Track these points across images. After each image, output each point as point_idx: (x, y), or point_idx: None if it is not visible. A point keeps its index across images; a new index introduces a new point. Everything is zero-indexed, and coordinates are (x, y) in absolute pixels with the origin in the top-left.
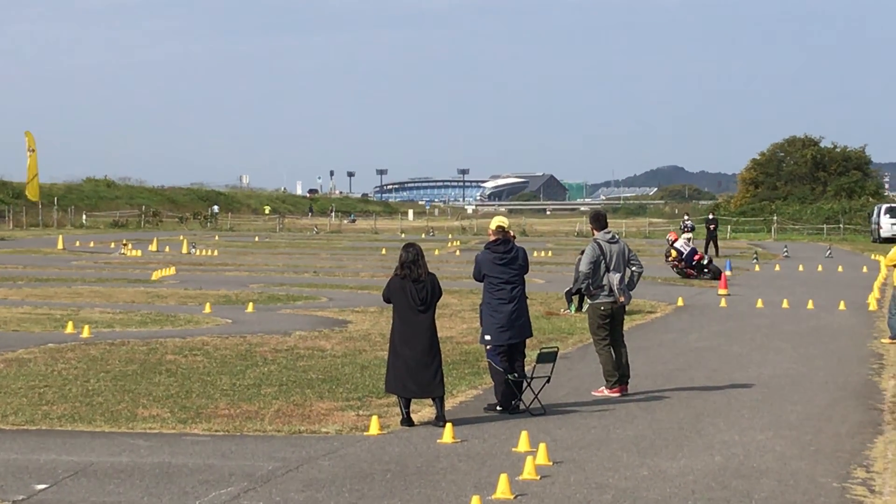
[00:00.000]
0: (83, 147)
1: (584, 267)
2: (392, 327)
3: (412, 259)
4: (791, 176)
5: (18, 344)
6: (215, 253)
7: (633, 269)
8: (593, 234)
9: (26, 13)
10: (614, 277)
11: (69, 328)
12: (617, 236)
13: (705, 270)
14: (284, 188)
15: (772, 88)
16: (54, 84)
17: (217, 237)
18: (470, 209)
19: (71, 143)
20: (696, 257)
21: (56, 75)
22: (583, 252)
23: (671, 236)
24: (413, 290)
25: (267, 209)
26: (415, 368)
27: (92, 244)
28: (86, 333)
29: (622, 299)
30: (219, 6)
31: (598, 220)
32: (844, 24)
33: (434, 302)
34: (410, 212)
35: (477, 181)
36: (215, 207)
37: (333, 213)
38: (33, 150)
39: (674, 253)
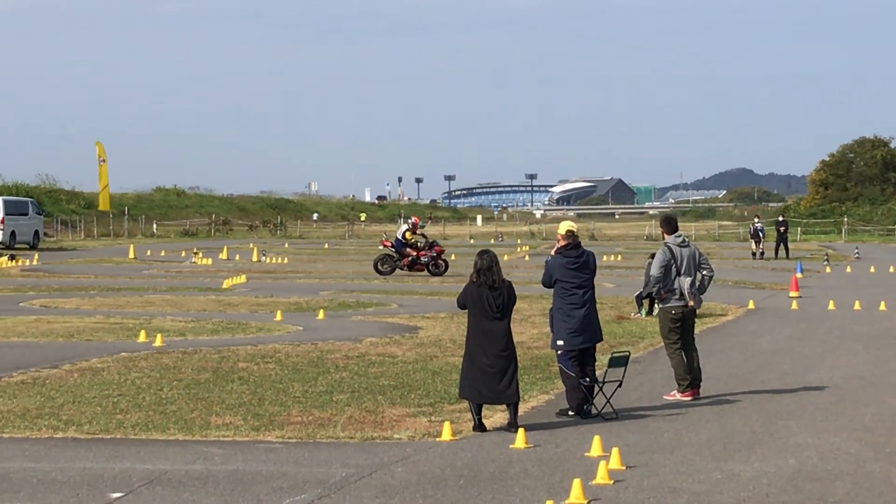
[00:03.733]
0: (153, 156)
1: (655, 271)
2: (468, 333)
3: (487, 265)
4: (861, 177)
5: (92, 353)
6: (285, 260)
7: (704, 272)
8: (664, 238)
9: (98, 23)
10: (685, 281)
11: (142, 337)
12: (688, 240)
13: None
14: (353, 195)
15: (841, 88)
16: (124, 94)
17: (287, 244)
18: (538, 214)
19: (141, 152)
20: None
21: (126, 85)
22: (653, 256)
23: None
24: (489, 296)
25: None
26: (491, 375)
27: (163, 253)
28: (158, 342)
29: (693, 303)
30: (290, 14)
31: (669, 224)
32: None
33: (510, 308)
34: (479, 217)
35: (545, 186)
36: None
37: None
38: (104, 161)
39: None
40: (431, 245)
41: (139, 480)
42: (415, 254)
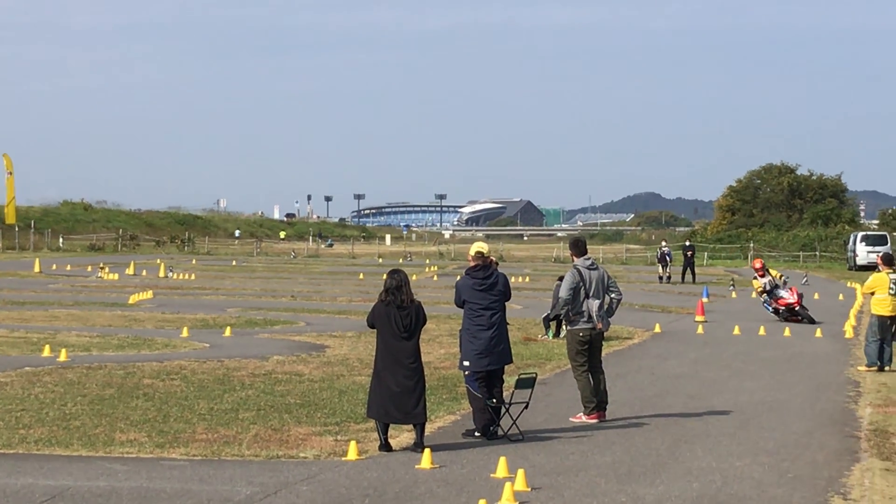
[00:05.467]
0: (60, 170)
1: (564, 293)
2: (376, 353)
3: (397, 285)
4: (767, 203)
5: None
6: (193, 277)
7: (613, 295)
8: (573, 261)
9: (3, 35)
10: (594, 304)
11: (46, 351)
12: (596, 263)
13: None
14: (262, 212)
15: (748, 116)
16: (31, 106)
17: (194, 261)
18: (447, 234)
19: (47, 165)
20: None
21: (32, 97)
22: (561, 278)
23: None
24: (398, 316)
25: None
26: (399, 395)
27: (69, 267)
28: (63, 357)
29: (601, 326)
30: (195, 30)
31: (578, 247)
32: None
33: (419, 329)
34: (388, 236)
35: (454, 206)
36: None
37: (317, 237)
38: (10, 173)
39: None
40: None
41: (42, 496)
42: None
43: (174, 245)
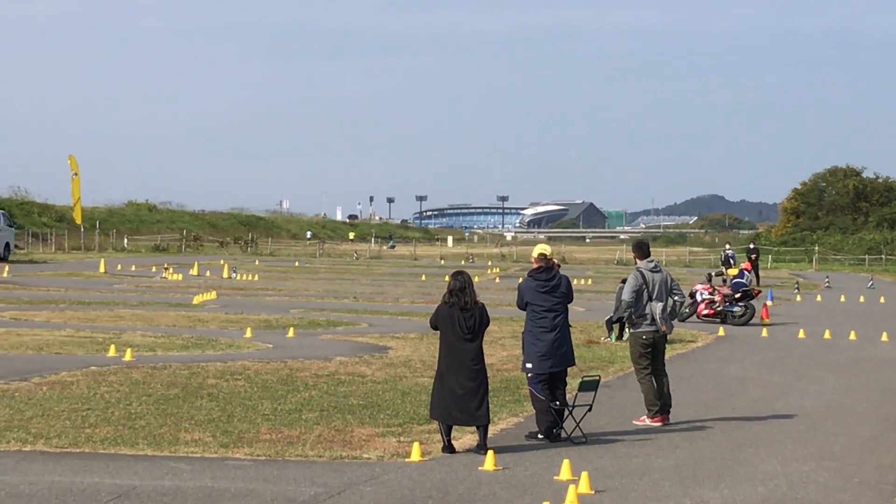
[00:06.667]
0: (124, 171)
1: (626, 296)
2: (439, 354)
3: (461, 287)
4: (832, 206)
5: (61, 366)
6: (256, 278)
7: (676, 298)
8: (636, 263)
9: (72, 37)
10: (657, 306)
11: (111, 351)
12: (659, 265)
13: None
14: (324, 213)
15: (814, 118)
16: (96, 108)
17: (257, 262)
18: (509, 236)
19: (112, 167)
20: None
21: (98, 99)
22: (624, 281)
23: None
24: (461, 318)
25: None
26: (461, 396)
27: (133, 268)
28: (128, 357)
29: (664, 328)
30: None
31: (641, 249)
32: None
33: (482, 330)
34: (450, 238)
35: (516, 208)
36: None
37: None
38: (76, 174)
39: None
40: None
41: (107, 495)
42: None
43: (237, 246)
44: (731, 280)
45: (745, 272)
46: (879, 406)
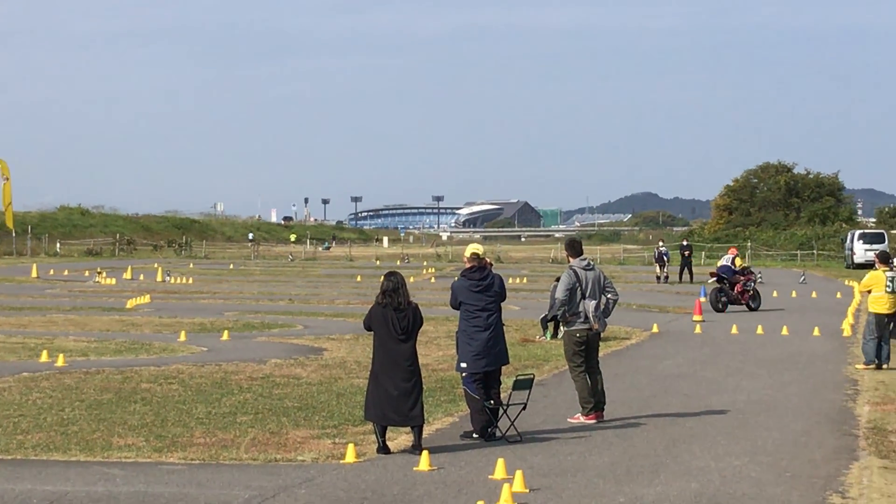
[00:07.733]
0: (57, 175)
1: (560, 294)
2: (373, 355)
3: (394, 287)
4: (765, 202)
5: None
6: (190, 281)
7: (609, 296)
8: (569, 261)
9: (1, 40)
10: (590, 304)
11: (44, 357)
12: (592, 263)
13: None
14: (259, 216)
15: (745, 115)
16: (27, 112)
17: (192, 265)
18: (445, 236)
19: (44, 171)
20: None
21: (29, 103)
22: (558, 279)
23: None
24: (395, 318)
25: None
26: (396, 397)
27: (66, 272)
28: (60, 362)
29: (597, 326)
30: (192, 35)
31: (574, 247)
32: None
33: (415, 331)
34: (385, 239)
35: (452, 208)
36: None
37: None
38: (7, 179)
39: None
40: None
41: (39, 502)
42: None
43: (171, 249)
44: (719, 268)
45: (731, 256)
46: (811, 401)
